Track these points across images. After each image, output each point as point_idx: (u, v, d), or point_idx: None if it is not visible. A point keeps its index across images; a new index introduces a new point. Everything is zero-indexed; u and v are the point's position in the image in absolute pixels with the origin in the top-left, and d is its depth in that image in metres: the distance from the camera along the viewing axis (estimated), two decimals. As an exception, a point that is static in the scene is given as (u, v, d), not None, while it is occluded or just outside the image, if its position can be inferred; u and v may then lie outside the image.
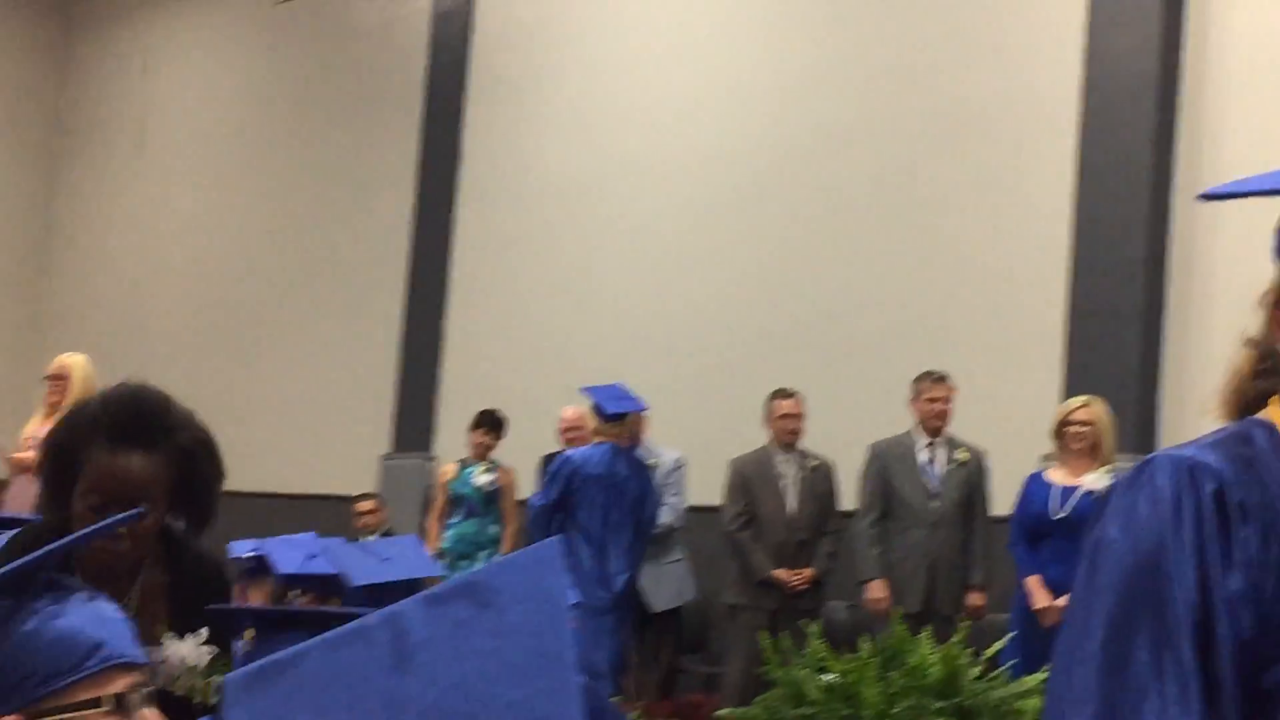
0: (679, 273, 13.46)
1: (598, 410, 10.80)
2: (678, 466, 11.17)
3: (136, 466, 3.71)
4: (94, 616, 2.19)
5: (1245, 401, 2.39)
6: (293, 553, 6.23)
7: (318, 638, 1.85)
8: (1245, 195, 2.46)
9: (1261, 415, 2.32)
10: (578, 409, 11.57)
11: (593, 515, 10.52)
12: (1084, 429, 9.35)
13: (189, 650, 3.65)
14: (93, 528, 2.58)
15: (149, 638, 3.68)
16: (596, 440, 10.84)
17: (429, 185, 15.30)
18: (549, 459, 11.28)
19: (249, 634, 3.93)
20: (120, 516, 2.77)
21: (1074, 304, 11.17)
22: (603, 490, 10.53)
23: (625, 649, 10.53)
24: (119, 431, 3.71)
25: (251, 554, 6.29)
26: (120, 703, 2.16)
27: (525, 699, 1.70)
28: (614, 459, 10.64)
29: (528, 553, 1.78)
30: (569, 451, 10.84)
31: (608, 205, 14.04)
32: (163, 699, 3.67)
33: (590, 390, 10.96)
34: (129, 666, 2.20)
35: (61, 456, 3.77)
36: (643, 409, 11.00)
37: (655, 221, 13.69)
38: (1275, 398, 2.32)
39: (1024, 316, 11.56)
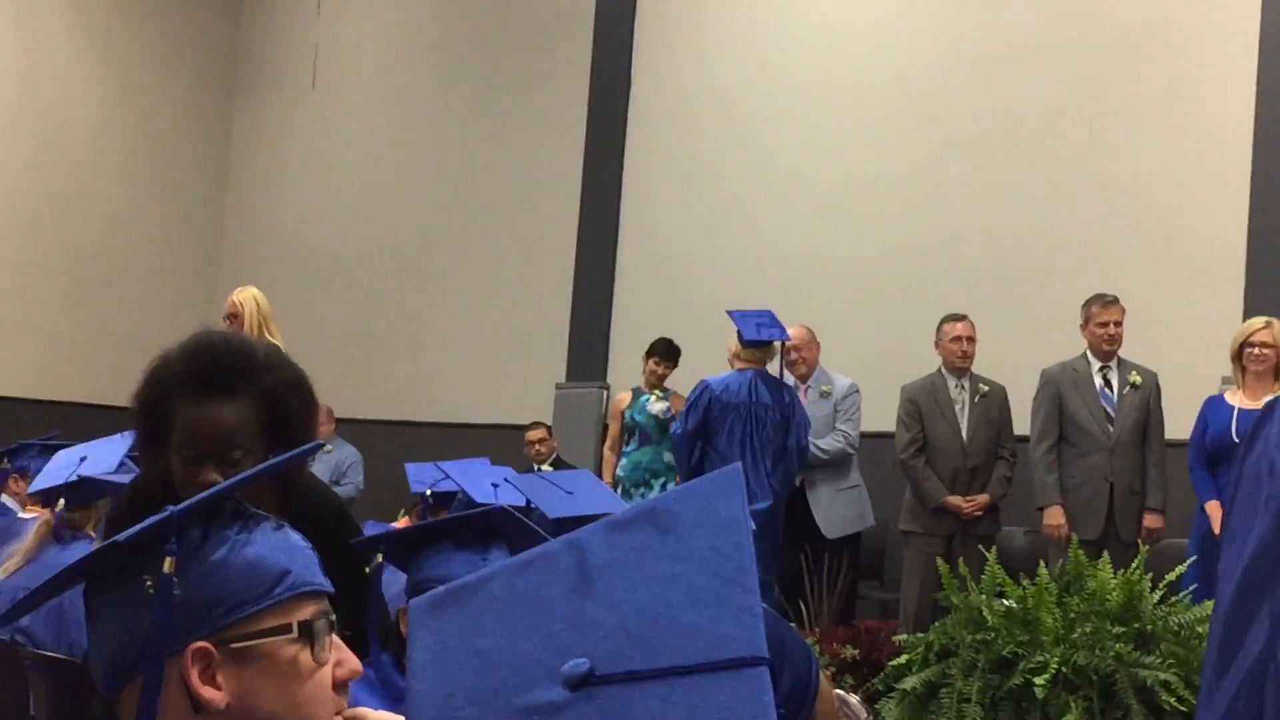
0: (849, 197, 13.40)
1: (739, 335, 10.69)
2: (852, 392, 11.10)
3: (224, 415, 3.70)
4: (282, 544, 2.22)
5: None
6: (480, 482, 6.32)
7: (501, 563, 1.89)
8: None
9: None
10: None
11: (732, 443, 10.49)
12: (1266, 351, 9.21)
13: None
14: (270, 463, 2.61)
15: None
16: (738, 367, 10.77)
17: (599, 114, 15.33)
18: None
19: (378, 559, 3.97)
20: (306, 448, 2.79)
21: (1254, 223, 10.98)
22: (741, 418, 10.49)
23: (782, 575, 10.48)
24: (201, 382, 3.71)
25: (433, 487, 6.38)
26: (306, 629, 2.19)
27: (707, 622, 1.71)
28: (755, 386, 10.58)
29: (708, 479, 1.80)
30: (709, 379, 10.76)
31: (778, 130, 13.99)
32: None
33: (735, 314, 10.81)
34: (315, 594, 2.23)
35: (150, 414, 3.77)
36: (786, 338, 10.81)
37: (826, 145, 13.62)
38: None
39: (1203, 236, 11.38)
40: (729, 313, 10.77)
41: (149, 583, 2.10)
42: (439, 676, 1.78)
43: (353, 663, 2.27)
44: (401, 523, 7.95)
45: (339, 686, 2.24)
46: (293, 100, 18.67)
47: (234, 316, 10.55)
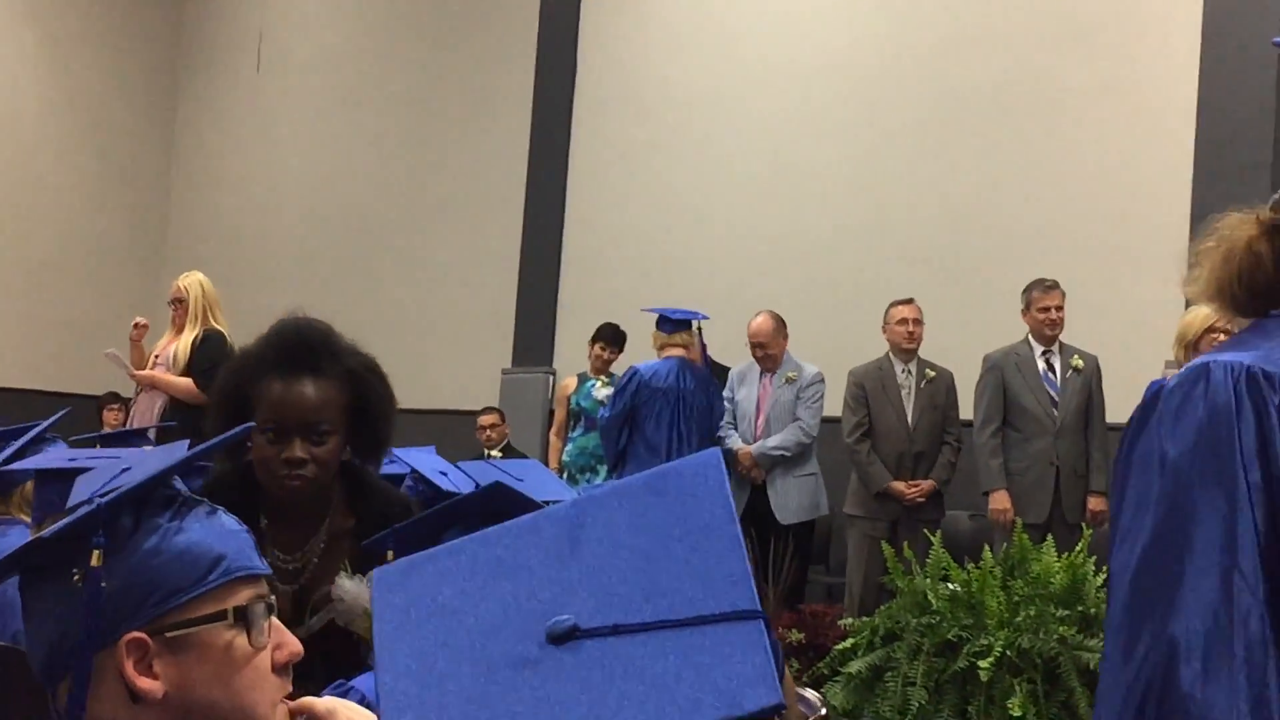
0: (795, 183, 13.42)
1: (658, 323, 10.89)
2: (816, 380, 11.13)
3: (311, 390, 3.82)
4: (215, 530, 2.21)
5: (1257, 290, 2.29)
6: (428, 468, 6.30)
7: (479, 533, 1.90)
8: None
9: None
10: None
11: (659, 428, 10.58)
12: (1226, 338, 9.24)
13: (363, 589, 3.65)
14: (213, 442, 2.60)
15: (333, 581, 3.73)
16: (664, 355, 10.88)
17: (546, 99, 15.31)
18: None
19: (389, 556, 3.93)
20: (239, 429, 2.78)
21: (1196, 208, 11.03)
22: (669, 404, 10.59)
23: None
24: (287, 361, 3.84)
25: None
26: (242, 615, 2.18)
27: (696, 582, 1.73)
28: (682, 373, 10.69)
29: (691, 461, 1.85)
30: (638, 365, 10.89)
31: (723, 116, 13.99)
32: (344, 638, 3.73)
33: (653, 309, 11.08)
34: (251, 579, 2.22)
35: (234, 399, 3.85)
36: (703, 317, 11.04)
37: (771, 132, 13.64)
38: None
39: (1145, 222, 11.43)
40: (646, 310, 11.03)
41: (76, 576, 2.08)
42: (412, 637, 1.77)
43: (293, 645, 2.26)
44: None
45: (280, 669, 2.24)
46: (237, 84, 18.58)
47: (179, 301, 10.50)
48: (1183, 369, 2.18)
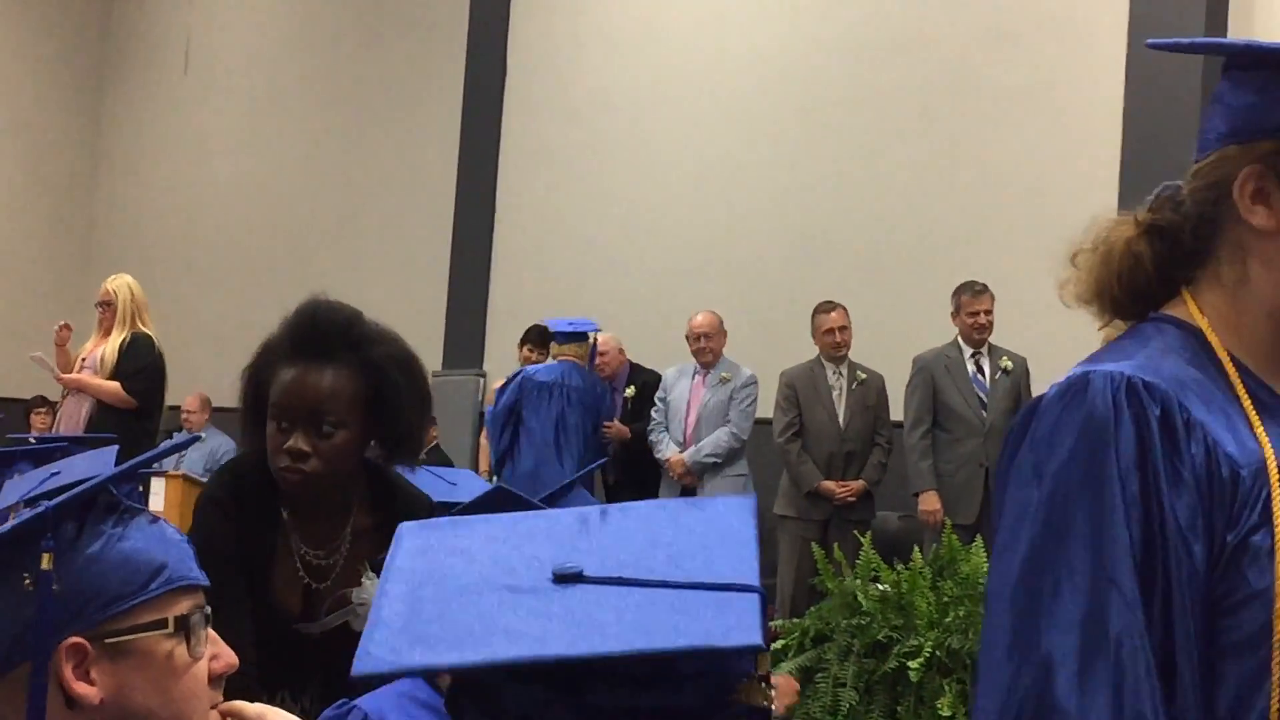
0: (725, 185, 13.44)
1: (554, 335, 11.14)
2: (750, 383, 11.17)
3: (318, 380, 3.62)
4: (157, 538, 2.20)
5: (1138, 292, 2.27)
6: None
7: (502, 515, 1.95)
8: (1187, 50, 2.35)
9: (1171, 312, 2.22)
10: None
11: (546, 424, 10.69)
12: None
13: None
14: (156, 451, 2.58)
15: (356, 582, 3.61)
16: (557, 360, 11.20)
17: (476, 100, 15.29)
18: None
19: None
20: (184, 441, 2.78)
21: (1124, 210, 11.08)
22: (553, 399, 10.71)
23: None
24: (301, 347, 3.66)
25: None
26: (182, 624, 2.17)
27: (702, 560, 1.77)
28: (567, 372, 10.92)
29: (725, 501, 1.93)
30: (527, 366, 11.14)
31: (652, 119, 14.01)
32: (354, 642, 3.67)
33: (550, 321, 11.41)
34: (191, 588, 2.22)
35: (256, 387, 3.71)
36: (594, 329, 11.29)
37: (701, 134, 13.66)
38: (1188, 291, 2.22)
39: (1072, 224, 11.43)
40: (546, 322, 11.29)
41: (27, 580, 2.08)
42: (423, 569, 1.79)
43: (228, 656, 2.26)
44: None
45: (214, 680, 2.24)
46: (165, 85, 18.47)
47: (107, 304, 10.43)
48: (1062, 379, 2.17)
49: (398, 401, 3.75)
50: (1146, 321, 2.25)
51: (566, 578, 1.72)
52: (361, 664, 1.68)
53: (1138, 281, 2.28)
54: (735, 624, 1.67)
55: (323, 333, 3.67)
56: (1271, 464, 2.02)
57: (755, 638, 1.67)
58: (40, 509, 2.10)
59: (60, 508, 2.11)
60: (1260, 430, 2.06)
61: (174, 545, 2.23)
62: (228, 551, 3.62)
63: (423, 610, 1.71)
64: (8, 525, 2.12)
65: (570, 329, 11.12)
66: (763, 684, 1.75)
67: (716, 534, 1.84)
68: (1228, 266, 2.17)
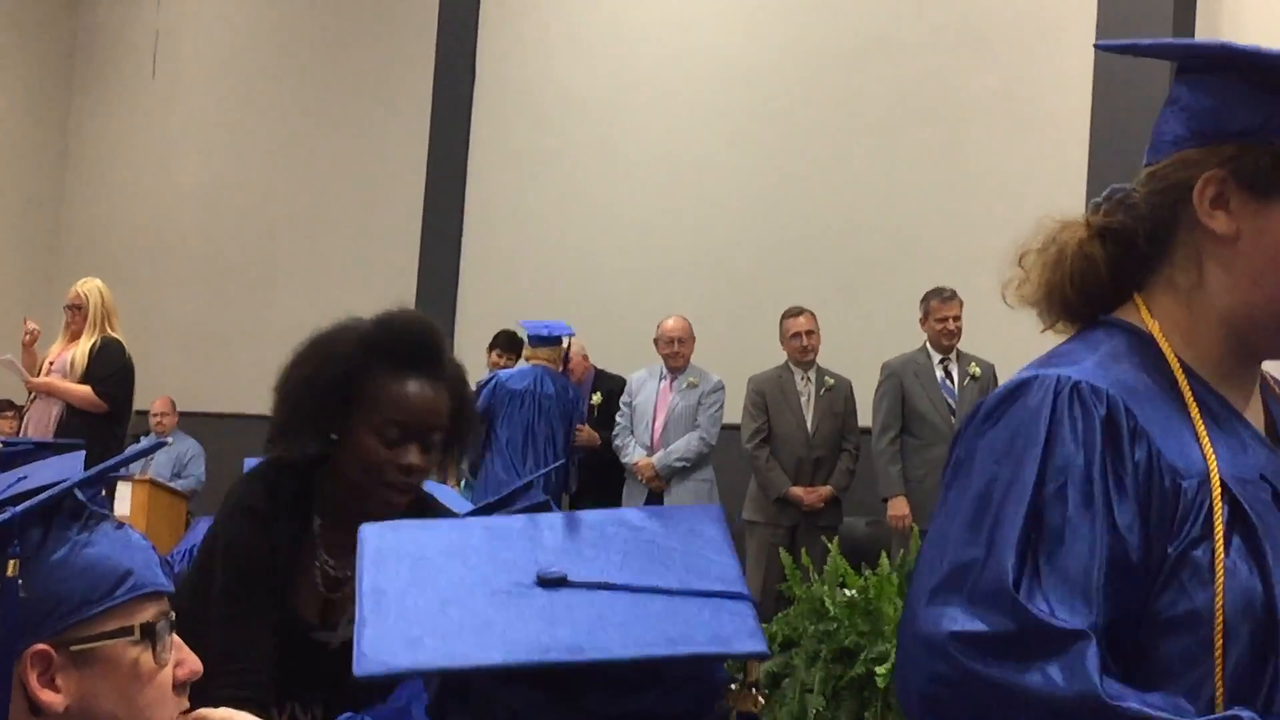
0: (694, 190, 13.45)
1: (528, 338, 11.13)
2: (718, 389, 11.19)
3: (434, 394, 3.52)
4: (123, 545, 2.20)
5: (1090, 295, 2.26)
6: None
7: (464, 518, 1.93)
8: (1136, 53, 2.35)
9: (1123, 317, 2.22)
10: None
11: (515, 429, 10.71)
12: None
13: None
14: (124, 456, 2.55)
15: None
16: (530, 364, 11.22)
17: (444, 104, 15.27)
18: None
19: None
20: (152, 445, 2.73)
21: (1091, 217, 11.15)
22: (524, 405, 10.72)
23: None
24: (406, 358, 3.51)
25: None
26: (148, 631, 2.17)
27: (686, 568, 1.76)
28: (540, 378, 10.94)
29: (695, 507, 1.92)
30: (498, 371, 11.13)
31: (623, 122, 14.01)
32: None
33: (525, 323, 11.38)
34: (157, 595, 2.21)
35: (335, 387, 3.52)
36: (569, 332, 11.30)
37: (671, 139, 13.67)
38: (1140, 295, 2.22)
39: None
40: (521, 323, 11.21)
41: None
42: (404, 571, 1.77)
43: (193, 663, 2.25)
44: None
45: (179, 687, 2.23)
46: (132, 89, 18.40)
47: (77, 308, 10.40)
48: (1008, 381, 2.17)
49: (472, 417, 3.75)
50: (1096, 326, 2.24)
51: (550, 581, 1.71)
52: (361, 665, 1.67)
53: (1090, 284, 2.27)
54: (739, 631, 1.68)
55: (425, 345, 3.56)
56: (1214, 476, 2.01)
57: (758, 644, 1.67)
58: (6, 515, 2.09)
59: (26, 514, 2.10)
60: (1205, 441, 2.05)
61: (139, 551, 2.22)
62: (260, 564, 3.53)
63: (411, 612, 1.70)
64: None
65: (546, 333, 11.11)
66: (752, 690, 1.76)
67: (686, 540, 1.83)
68: (1182, 272, 2.17)
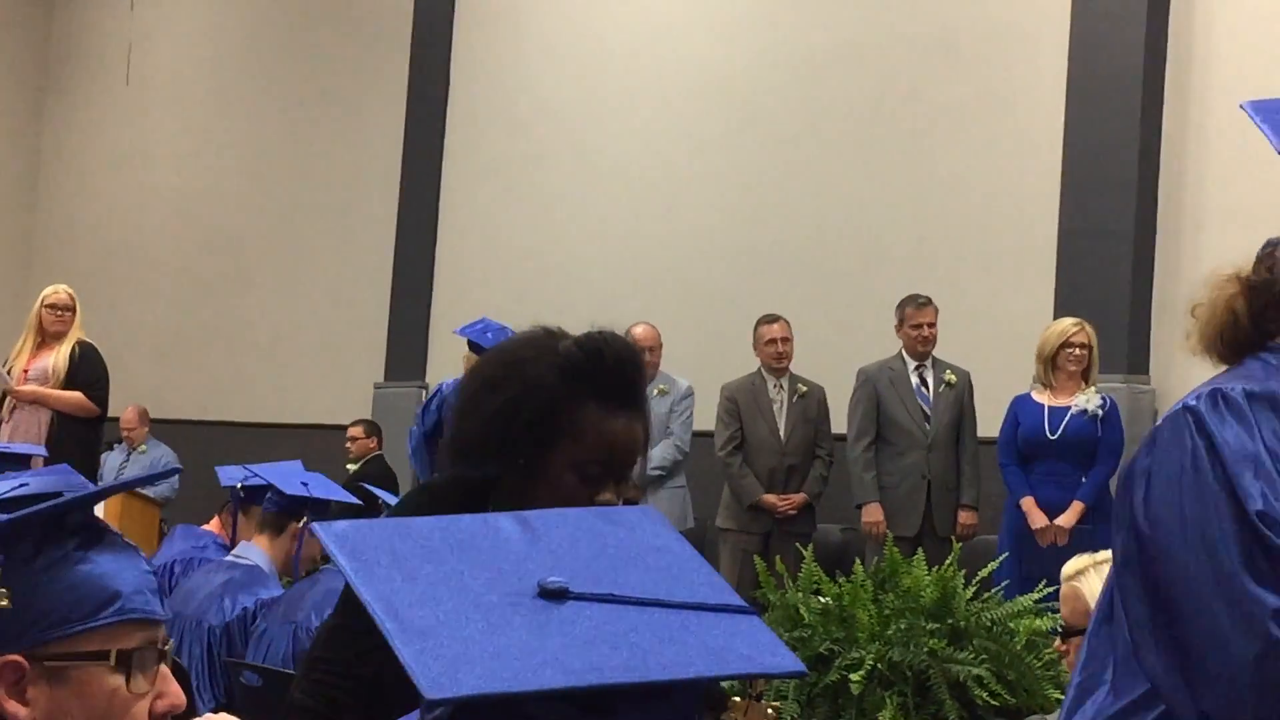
0: (669, 196, 13.45)
1: (469, 344, 10.93)
2: (688, 395, 11.17)
3: (638, 431, 3.30)
4: (117, 566, 2.16)
5: (1237, 345, 2.49)
6: (291, 479, 6.23)
7: (427, 518, 1.87)
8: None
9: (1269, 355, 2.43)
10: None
11: None
12: (1083, 351, 9.41)
13: None
14: (139, 477, 2.51)
15: None
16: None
17: (418, 112, 15.25)
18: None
19: None
20: (170, 470, 2.69)
21: (1064, 224, 11.18)
22: None
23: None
24: (615, 391, 3.25)
25: (244, 483, 6.31)
26: (124, 659, 2.13)
27: (678, 576, 1.74)
28: None
29: (636, 511, 1.89)
30: (442, 382, 10.96)
31: (597, 130, 14.01)
32: None
33: (462, 330, 11.08)
34: (146, 623, 2.17)
35: (532, 418, 3.21)
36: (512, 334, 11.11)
37: (645, 145, 13.67)
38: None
39: (1015, 237, 11.57)
40: (458, 331, 11.03)
41: None
42: (395, 580, 1.73)
43: (175, 696, 2.20)
44: (214, 524, 7.84)
45: (158, 718, 2.19)
46: (106, 96, 18.35)
47: (67, 309, 10.36)
48: (1190, 394, 2.40)
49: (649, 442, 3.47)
50: (1254, 357, 2.47)
51: (553, 594, 1.68)
52: (434, 688, 1.62)
53: (1236, 336, 2.49)
54: (772, 649, 1.66)
55: (635, 379, 3.33)
56: None
57: (797, 664, 1.66)
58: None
59: (17, 523, 2.08)
60: None
61: (134, 575, 2.18)
62: None
63: (436, 627, 1.65)
64: None
65: (490, 338, 10.91)
66: (762, 702, 1.76)
67: (649, 544, 1.80)
68: None
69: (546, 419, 3.19)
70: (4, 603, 2.04)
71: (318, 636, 3.37)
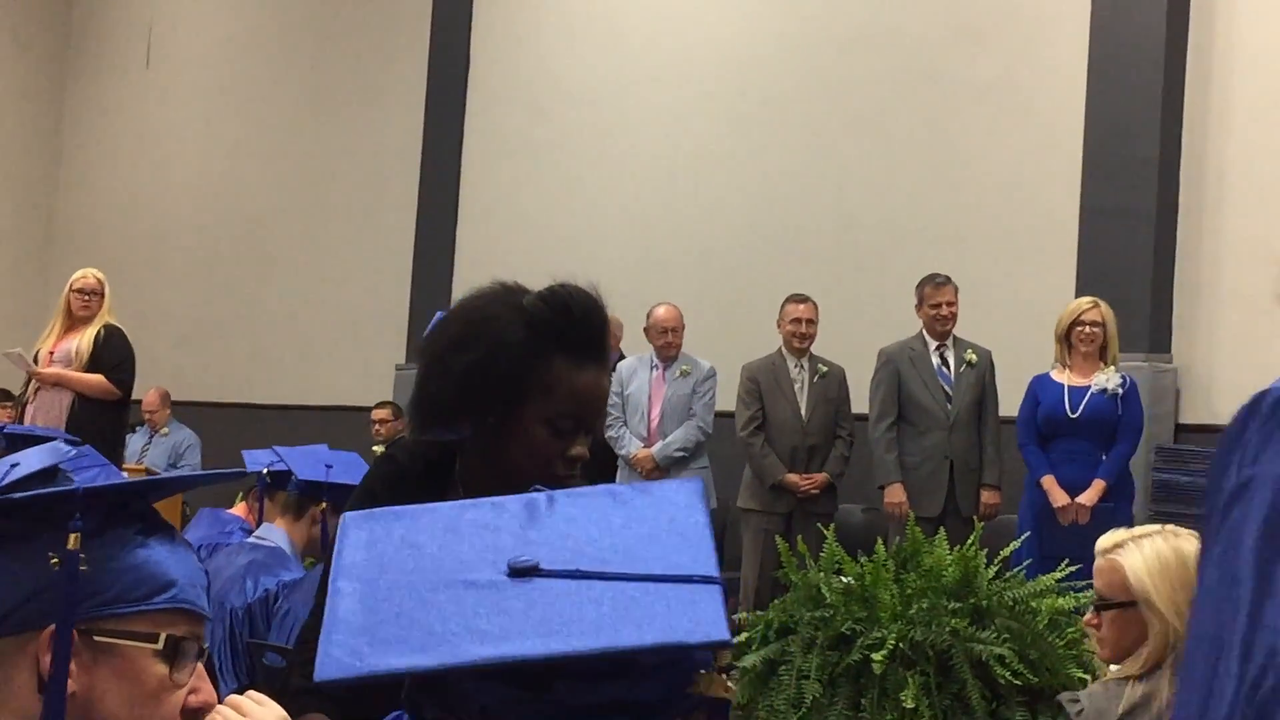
0: (690, 179, 13.45)
1: None
2: (710, 376, 11.17)
3: (605, 383, 3.32)
4: (175, 556, 2.19)
5: None
6: (313, 463, 6.24)
7: (446, 503, 1.90)
8: None
9: None
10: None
11: None
12: (1095, 330, 9.40)
13: None
14: (207, 474, 2.53)
15: None
16: None
17: (439, 94, 15.26)
18: None
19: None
20: (233, 471, 2.68)
21: (1086, 204, 11.16)
22: None
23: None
24: (582, 344, 3.24)
25: (270, 467, 6.32)
26: (173, 645, 2.15)
27: (660, 552, 1.75)
28: None
29: (677, 481, 1.89)
30: None
31: (618, 111, 14.01)
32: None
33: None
34: (193, 615, 2.19)
35: (502, 375, 3.18)
36: None
37: (665, 127, 13.66)
38: None
39: (1036, 217, 11.56)
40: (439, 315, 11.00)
41: (53, 557, 2.06)
42: (374, 564, 1.77)
43: (208, 694, 2.21)
44: (239, 508, 7.84)
45: (188, 713, 2.19)
46: (127, 79, 18.40)
47: (95, 293, 10.38)
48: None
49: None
50: None
51: (522, 571, 1.70)
52: (324, 669, 1.65)
53: None
54: (701, 619, 1.67)
55: (600, 330, 3.29)
56: None
57: (723, 633, 1.67)
58: (72, 487, 2.09)
59: (91, 493, 2.10)
60: None
61: (190, 568, 2.22)
62: None
63: (379, 609, 1.68)
64: (33, 493, 2.10)
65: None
66: (722, 675, 1.76)
67: (667, 521, 1.82)
68: None
69: (516, 376, 3.18)
70: (84, 568, 2.07)
71: (311, 616, 3.38)
